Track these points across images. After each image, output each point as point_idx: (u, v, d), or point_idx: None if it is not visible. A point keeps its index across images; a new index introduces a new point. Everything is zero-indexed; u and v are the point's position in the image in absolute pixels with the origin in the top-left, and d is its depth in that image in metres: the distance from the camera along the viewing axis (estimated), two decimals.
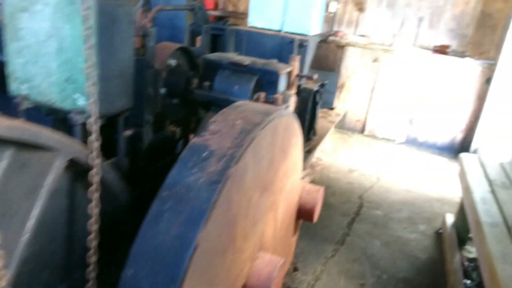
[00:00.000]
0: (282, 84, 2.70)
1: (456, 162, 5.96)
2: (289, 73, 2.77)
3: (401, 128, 6.38)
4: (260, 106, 1.87)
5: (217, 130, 1.59)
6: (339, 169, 5.14)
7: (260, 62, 2.71)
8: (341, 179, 4.85)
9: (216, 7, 5.60)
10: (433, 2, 6.28)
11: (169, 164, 1.64)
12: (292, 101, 2.73)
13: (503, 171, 3.42)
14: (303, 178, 3.85)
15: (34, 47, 1.99)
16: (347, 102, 6.58)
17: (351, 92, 6.55)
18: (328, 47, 6.64)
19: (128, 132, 2.59)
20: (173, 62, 2.95)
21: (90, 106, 1.74)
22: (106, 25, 1.87)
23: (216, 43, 4.32)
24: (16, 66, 2.07)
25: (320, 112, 4.45)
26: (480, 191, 2.99)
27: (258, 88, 2.69)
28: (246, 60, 2.69)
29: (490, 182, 3.15)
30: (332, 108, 6.36)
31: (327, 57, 6.90)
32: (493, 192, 3.00)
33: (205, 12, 3.13)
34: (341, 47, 6.52)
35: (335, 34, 6.64)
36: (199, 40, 3.48)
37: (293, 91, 2.80)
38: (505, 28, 5.55)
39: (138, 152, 2.80)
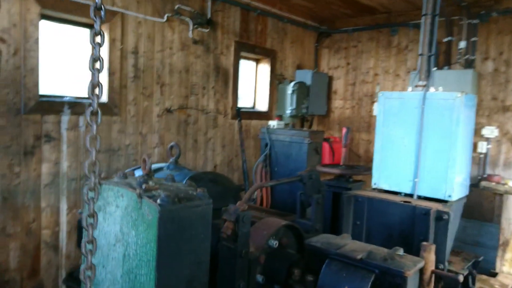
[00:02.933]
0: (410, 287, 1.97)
1: None
2: (422, 270, 2.05)
3: None
4: None
5: None
6: None
7: (379, 254, 2.07)
8: None
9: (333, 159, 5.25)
10: None
11: None
12: None
13: None
14: None
15: (105, 250, 1.78)
16: None
17: None
18: (481, 193, 5.54)
19: None
20: (274, 243, 2.51)
21: None
22: (171, 234, 1.56)
23: (338, 203, 3.85)
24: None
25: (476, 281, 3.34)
26: None
27: None
28: (359, 252, 2.09)
29: None
30: (494, 274, 4.95)
31: (480, 204, 5.73)
32: None
33: (318, 181, 2.74)
34: (499, 194, 5.34)
35: (488, 178, 5.55)
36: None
37: None
38: None
39: None
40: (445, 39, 6.03)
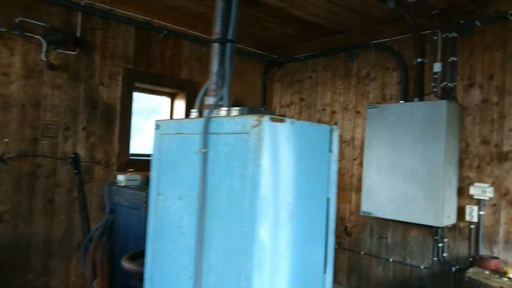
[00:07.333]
0: None
1: None
2: None
3: None
4: None
5: None
6: None
7: None
8: None
9: None
10: None
11: None
12: None
13: None
14: None
15: None
16: None
17: None
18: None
19: None
20: None
21: None
22: None
23: None
24: None
25: None
26: None
27: None
28: None
29: None
30: None
31: None
32: None
33: None
34: None
35: (480, 262, 3.63)
36: None
37: None
38: None
39: None
40: (416, 61, 4.36)
